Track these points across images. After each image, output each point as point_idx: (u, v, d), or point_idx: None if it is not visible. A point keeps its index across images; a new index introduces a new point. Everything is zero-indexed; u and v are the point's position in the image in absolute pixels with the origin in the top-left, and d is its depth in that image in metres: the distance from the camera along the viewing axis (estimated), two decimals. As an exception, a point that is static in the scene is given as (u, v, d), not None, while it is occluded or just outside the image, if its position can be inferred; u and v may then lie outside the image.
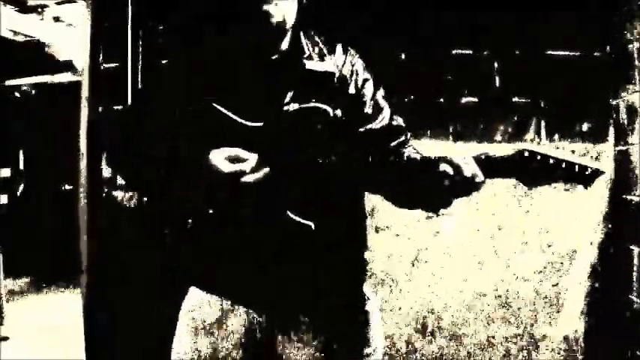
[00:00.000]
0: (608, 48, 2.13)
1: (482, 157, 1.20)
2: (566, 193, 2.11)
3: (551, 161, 1.15)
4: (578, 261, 2.14)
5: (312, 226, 1.18)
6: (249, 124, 1.21)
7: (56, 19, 4.84)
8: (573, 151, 1.21)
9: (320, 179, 1.21)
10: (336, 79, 1.31)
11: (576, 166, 1.14)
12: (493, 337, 2.15)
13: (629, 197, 2.05)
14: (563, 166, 1.15)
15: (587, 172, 1.14)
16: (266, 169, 1.17)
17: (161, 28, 2.11)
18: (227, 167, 1.17)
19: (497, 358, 2.15)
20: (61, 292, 4.87)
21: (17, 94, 5.68)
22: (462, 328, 2.15)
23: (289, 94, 1.26)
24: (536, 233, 2.13)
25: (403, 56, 2.14)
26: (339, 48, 1.36)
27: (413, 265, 2.13)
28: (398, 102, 2.13)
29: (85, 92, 2.14)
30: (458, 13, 2.10)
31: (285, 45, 1.29)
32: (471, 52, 2.15)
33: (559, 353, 2.15)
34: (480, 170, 1.19)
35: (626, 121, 2.07)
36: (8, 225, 4.89)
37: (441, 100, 2.15)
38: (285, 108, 1.24)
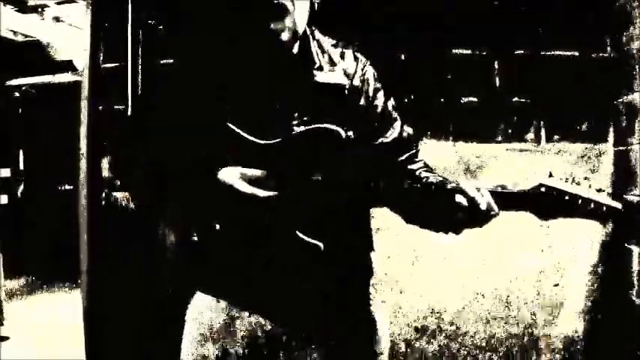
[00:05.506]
0: (608, 48, 2.13)
1: (499, 189, 1.18)
2: (566, 193, 2.11)
3: (567, 197, 1.15)
4: (578, 261, 2.14)
5: (321, 246, 1.16)
6: (258, 141, 1.18)
7: (56, 19, 4.85)
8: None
9: (329, 198, 1.18)
10: (347, 91, 1.27)
11: (592, 203, 1.14)
12: (493, 337, 2.15)
13: (629, 197, 2.05)
14: (580, 202, 1.14)
15: (603, 210, 1.14)
16: (274, 193, 1.14)
17: (161, 28, 2.11)
18: (245, 187, 1.14)
19: (497, 358, 2.15)
20: (61, 292, 4.87)
21: (17, 94, 5.68)
22: (462, 328, 2.15)
23: (299, 111, 1.21)
24: (536, 233, 2.13)
25: (403, 56, 2.14)
26: (349, 55, 1.32)
27: (413, 265, 2.13)
28: (398, 102, 2.14)
29: (85, 92, 2.14)
30: (458, 13, 2.10)
31: (294, 50, 1.25)
32: (470, 52, 2.15)
33: (559, 353, 2.15)
34: (495, 203, 1.17)
35: (626, 121, 2.07)
36: (8, 225, 4.89)
37: (441, 100, 2.15)
38: (295, 125, 1.20)
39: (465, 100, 2.16)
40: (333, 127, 1.18)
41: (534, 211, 1.19)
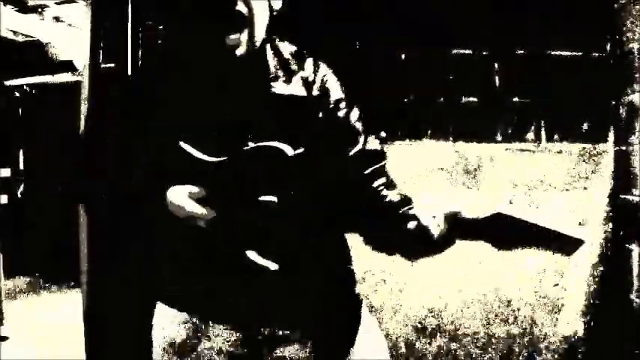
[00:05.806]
0: (608, 48, 2.13)
1: (455, 216, 1.12)
2: (566, 192, 2.12)
3: (527, 227, 1.05)
4: (578, 261, 2.14)
5: (274, 268, 1.07)
6: (207, 159, 1.10)
7: (56, 19, 4.85)
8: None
9: (281, 218, 1.09)
10: (304, 103, 1.17)
11: (553, 234, 1.04)
12: (493, 337, 2.15)
13: (629, 197, 2.05)
14: (540, 233, 1.05)
15: (565, 241, 1.04)
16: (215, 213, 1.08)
17: (161, 27, 2.11)
18: (193, 207, 1.07)
19: (497, 358, 2.15)
20: (61, 292, 4.87)
21: (17, 94, 5.68)
22: (462, 328, 2.15)
23: (252, 126, 1.12)
24: (536, 233, 2.13)
25: (403, 56, 2.14)
26: (309, 63, 1.21)
27: (413, 265, 2.13)
28: (398, 102, 2.14)
29: (85, 92, 2.14)
30: (458, 13, 2.10)
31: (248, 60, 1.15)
32: (470, 52, 2.15)
33: (559, 353, 2.15)
34: (450, 230, 1.11)
35: (626, 121, 2.08)
36: (8, 225, 4.89)
37: (441, 100, 2.15)
38: (249, 140, 1.10)
39: (465, 100, 2.16)
40: (278, 144, 1.08)
41: (490, 240, 1.10)
